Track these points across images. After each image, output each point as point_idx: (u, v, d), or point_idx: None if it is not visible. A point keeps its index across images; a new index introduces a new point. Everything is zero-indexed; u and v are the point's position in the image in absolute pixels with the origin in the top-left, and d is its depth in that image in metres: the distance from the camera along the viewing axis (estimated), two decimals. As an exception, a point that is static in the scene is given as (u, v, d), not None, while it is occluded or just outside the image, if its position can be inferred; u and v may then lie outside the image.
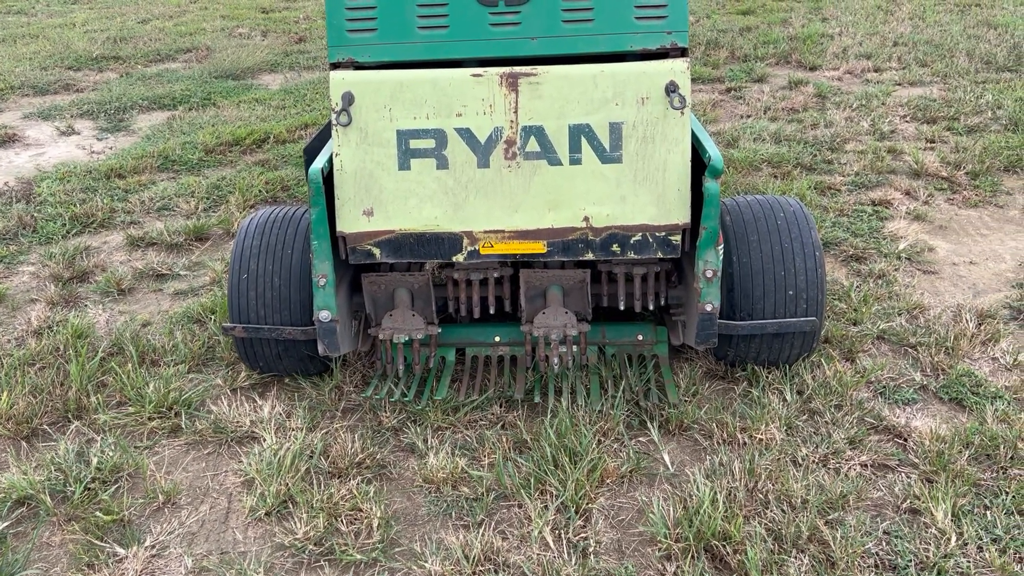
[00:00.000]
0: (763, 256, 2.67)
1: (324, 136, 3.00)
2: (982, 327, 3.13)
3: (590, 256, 2.59)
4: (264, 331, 2.75)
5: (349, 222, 2.59)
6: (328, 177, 2.57)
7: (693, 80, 6.74)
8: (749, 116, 5.77)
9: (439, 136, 2.53)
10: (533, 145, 2.53)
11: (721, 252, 2.52)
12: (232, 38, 8.81)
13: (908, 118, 5.58)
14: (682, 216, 2.54)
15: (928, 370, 2.94)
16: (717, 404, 2.77)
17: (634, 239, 2.56)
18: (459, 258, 2.61)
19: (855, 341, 3.07)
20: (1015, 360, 2.95)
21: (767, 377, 2.84)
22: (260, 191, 4.69)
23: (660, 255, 2.58)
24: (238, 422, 2.78)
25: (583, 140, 2.52)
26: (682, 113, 2.49)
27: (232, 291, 2.79)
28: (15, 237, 4.31)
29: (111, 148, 5.67)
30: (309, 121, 5.92)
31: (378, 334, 2.83)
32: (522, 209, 2.56)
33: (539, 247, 2.58)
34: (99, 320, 3.51)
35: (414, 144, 2.54)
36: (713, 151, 2.44)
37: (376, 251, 2.60)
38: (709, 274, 2.51)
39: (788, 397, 2.75)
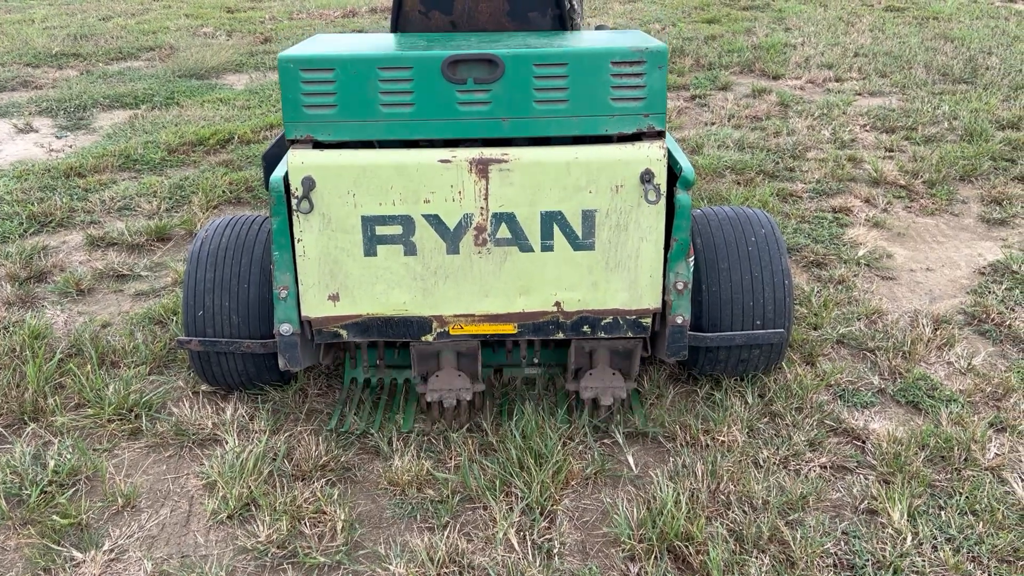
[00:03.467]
0: (732, 285, 2.68)
1: (283, 142, 2.94)
2: (938, 332, 3.20)
3: (560, 336, 2.57)
4: (221, 345, 2.69)
5: (314, 307, 2.51)
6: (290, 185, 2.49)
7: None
8: (713, 123, 5.84)
9: (406, 223, 2.44)
10: (504, 232, 2.46)
11: (692, 264, 2.53)
12: (196, 37, 8.71)
13: (868, 127, 5.68)
14: (653, 302, 2.53)
15: (886, 374, 3.00)
16: (681, 407, 2.80)
17: (604, 321, 2.54)
18: (428, 338, 2.57)
19: (815, 345, 3.12)
20: (969, 364, 3.02)
21: (729, 380, 2.88)
22: (224, 191, 4.65)
23: (630, 335, 2.58)
24: (200, 424, 2.75)
25: (555, 227, 2.46)
26: (656, 203, 2.44)
27: (187, 303, 2.74)
28: (-30, 236, 4.22)
29: (71, 146, 5.57)
30: (274, 122, 5.87)
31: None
32: (492, 294, 2.51)
33: (510, 328, 2.55)
34: (57, 321, 3.45)
35: (380, 231, 2.45)
36: (684, 163, 2.44)
37: (343, 332, 2.55)
38: (680, 286, 2.52)
39: (750, 400, 2.79)
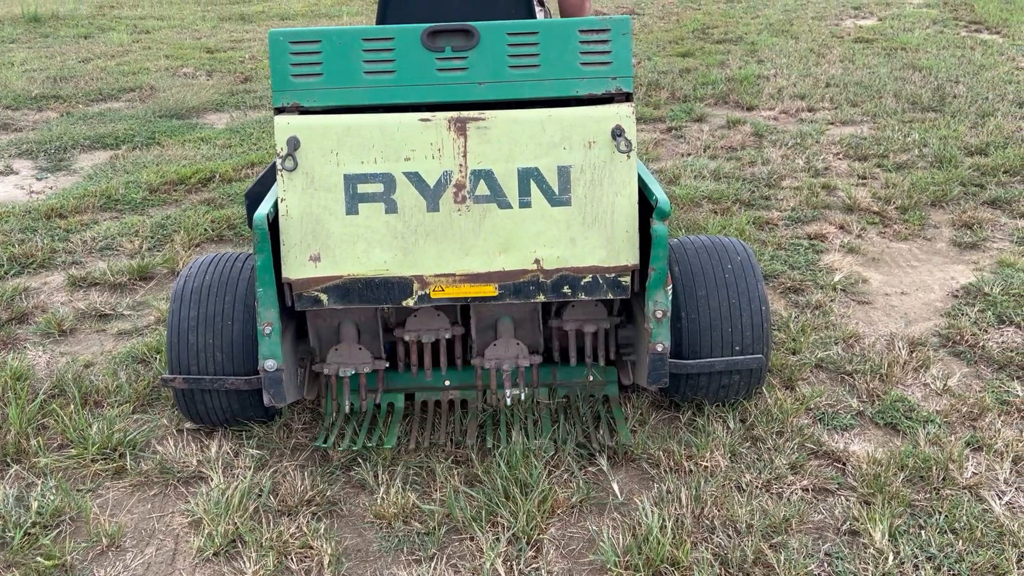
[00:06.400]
0: (711, 312, 2.74)
1: (266, 180, 2.99)
2: (914, 355, 3.26)
3: (541, 298, 2.62)
4: (206, 382, 2.70)
5: (295, 268, 2.56)
6: (273, 223, 2.55)
7: (635, 120, 6.90)
8: (690, 154, 5.94)
9: (387, 180, 2.54)
10: (483, 188, 2.55)
11: (670, 292, 2.58)
12: (176, 77, 8.76)
13: (841, 155, 5.80)
14: (631, 258, 2.59)
15: (864, 396, 3.04)
16: (664, 433, 2.83)
17: (584, 281, 2.60)
18: (409, 302, 2.60)
19: (794, 370, 3.17)
20: (944, 386, 3.07)
21: (711, 406, 2.91)
22: (206, 230, 4.66)
23: (610, 296, 2.63)
24: (184, 462, 2.75)
25: (532, 183, 2.55)
26: (628, 157, 2.56)
27: (171, 341, 2.75)
28: (-50, 279, 4.21)
29: (51, 188, 5.58)
30: (255, 160, 5.91)
31: (323, 369, 2.82)
32: (473, 252, 2.57)
33: (490, 290, 2.59)
34: (39, 362, 3.44)
35: (362, 188, 2.54)
36: (660, 194, 2.52)
37: (323, 297, 2.59)
38: (659, 315, 2.57)
39: (731, 425, 2.83)
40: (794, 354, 3.30)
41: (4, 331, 3.68)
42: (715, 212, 4.80)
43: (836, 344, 3.38)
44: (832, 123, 6.58)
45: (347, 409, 2.88)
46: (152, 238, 4.61)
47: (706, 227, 4.49)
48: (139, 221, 4.80)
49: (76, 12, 12.86)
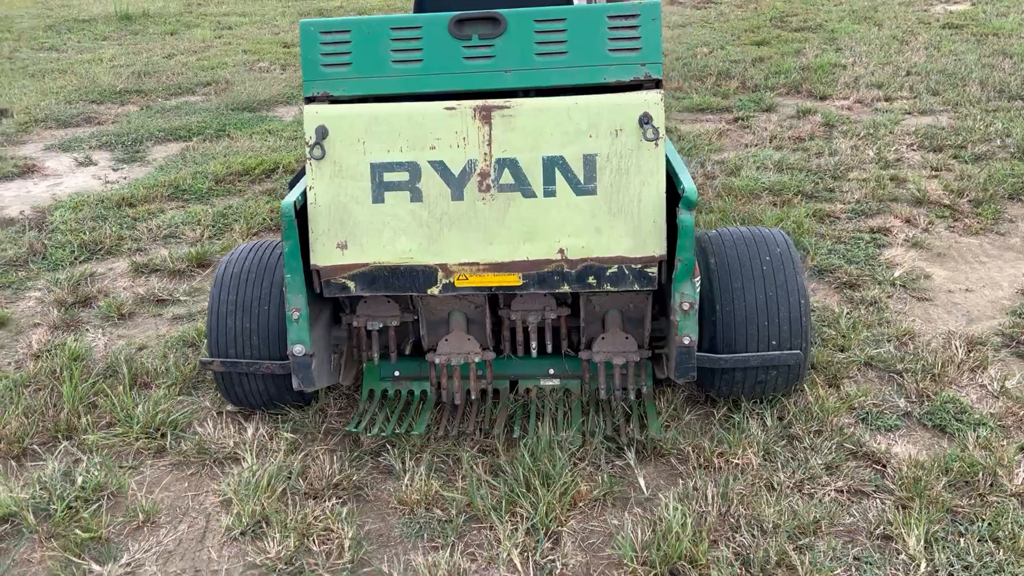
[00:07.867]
0: (747, 305, 2.65)
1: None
2: (971, 354, 3.09)
3: (566, 288, 2.58)
4: (242, 365, 2.77)
5: (323, 255, 2.59)
6: (302, 210, 2.59)
7: (701, 110, 6.76)
8: (755, 145, 5.78)
9: (413, 169, 2.54)
10: (507, 177, 2.53)
11: (698, 284, 2.51)
12: (252, 72, 9.01)
13: (915, 146, 5.55)
14: (658, 248, 2.53)
15: (913, 396, 2.91)
16: (696, 428, 2.76)
17: (610, 271, 2.55)
18: (434, 291, 2.61)
19: (840, 367, 3.05)
20: (1002, 387, 2.90)
21: (748, 402, 2.83)
22: (264, 219, 4.78)
23: (636, 287, 2.58)
24: (222, 443, 2.82)
25: (557, 172, 2.52)
26: (656, 145, 2.49)
27: (211, 325, 2.83)
28: (25, 264, 4.43)
29: (125, 178, 5.81)
30: (319, 151, 6.02)
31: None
32: (497, 241, 2.56)
33: (514, 279, 2.58)
34: (98, 344, 3.58)
35: (388, 177, 2.55)
36: (688, 182, 2.45)
37: (350, 284, 2.61)
38: (686, 307, 2.51)
39: (768, 422, 2.74)
40: (842, 351, 3.18)
41: (68, 314, 3.85)
42: (774, 204, 4.66)
43: (888, 342, 3.23)
44: (909, 112, 6.30)
45: (376, 359, 2.91)
46: (213, 227, 4.75)
47: (762, 219, 4.36)
48: (202, 210, 4.95)
49: (165, 10, 13.36)
